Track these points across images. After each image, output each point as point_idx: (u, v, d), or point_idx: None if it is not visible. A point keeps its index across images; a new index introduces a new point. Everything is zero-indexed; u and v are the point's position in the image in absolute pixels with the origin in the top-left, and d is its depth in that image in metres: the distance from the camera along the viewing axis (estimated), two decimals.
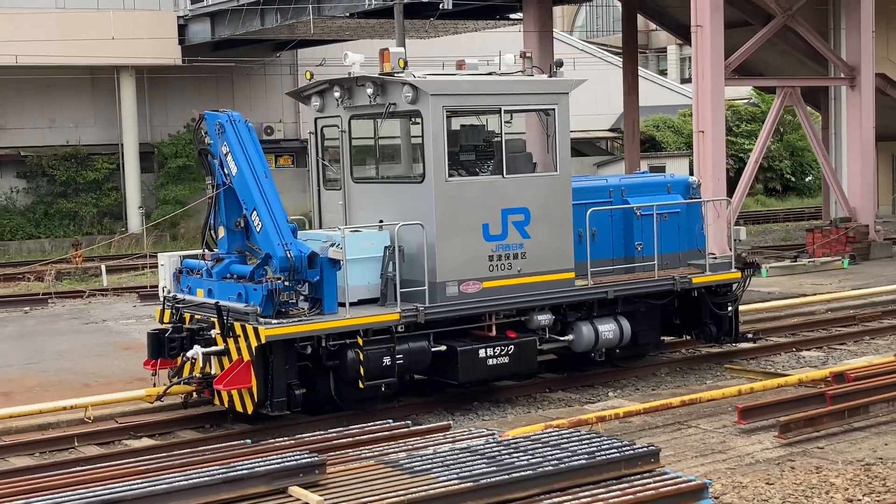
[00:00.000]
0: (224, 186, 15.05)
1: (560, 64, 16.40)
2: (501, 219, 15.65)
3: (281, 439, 12.68)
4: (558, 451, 11.43)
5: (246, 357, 14.22)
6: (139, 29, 44.58)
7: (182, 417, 15.63)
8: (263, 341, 13.96)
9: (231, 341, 14.43)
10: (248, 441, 13.32)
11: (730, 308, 18.11)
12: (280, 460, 10.57)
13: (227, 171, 14.95)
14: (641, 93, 38.80)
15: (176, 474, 10.46)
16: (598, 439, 12.03)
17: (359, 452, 11.65)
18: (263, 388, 14.23)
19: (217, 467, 10.49)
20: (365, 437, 12.55)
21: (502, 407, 16.20)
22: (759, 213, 49.95)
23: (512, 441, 12.21)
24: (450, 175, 15.39)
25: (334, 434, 12.49)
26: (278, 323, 14.15)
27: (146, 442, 14.81)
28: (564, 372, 17.79)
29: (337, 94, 16.40)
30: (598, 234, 17.08)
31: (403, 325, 15.05)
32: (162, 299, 15.80)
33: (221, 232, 15.36)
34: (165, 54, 45.37)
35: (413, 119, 15.51)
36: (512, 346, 15.78)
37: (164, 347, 14.83)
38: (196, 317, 15.19)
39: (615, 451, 11.43)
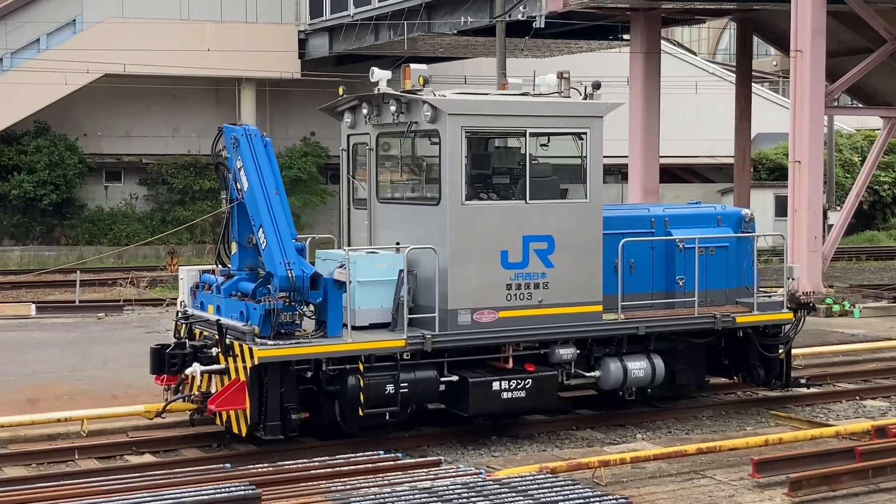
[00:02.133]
0: (237, 201, 14.75)
1: (598, 86, 15.61)
2: (522, 246, 14.96)
3: (250, 467, 12.29)
4: (524, 499, 10.74)
5: (242, 378, 13.86)
6: (261, 42, 45.09)
7: (190, 435, 15.34)
8: (256, 362, 13.56)
9: (230, 361, 14.09)
10: (228, 465, 12.99)
11: (781, 350, 17.00)
12: (212, 492, 10.13)
13: (240, 186, 14.65)
14: (774, 119, 37.36)
15: (106, 499, 10.12)
16: (572, 487, 11.29)
17: (310, 487, 11.12)
18: (257, 411, 13.82)
19: (147, 494, 10.09)
20: (329, 470, 12.05)
21: (519, 443, 15.48)
22: (882, 250, 47.59)
23: (489, 483, 11.57)
24: (469, 198, 14.77)
25: (293, 466, 12.03)
26: (274, 344, 13.75)
27: (147, 458, 14.58)
28: (602, 409, 16.96)
29: (365, 111, 15.96)
30: (636, 267, 16.24)
31: (409, 353, 14.46)
32: (176, 314, 15.57)
33: (234, 248, 15.07)
34: (286, 67, 45.78)
35: (432, 139, 14.95)
36: (530, 380, 15.06)
37: (166, 363, 14.58)
38: (204, 333, 14.93)
39: (580, 500, 10.68)
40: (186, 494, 9.90)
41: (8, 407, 16.61)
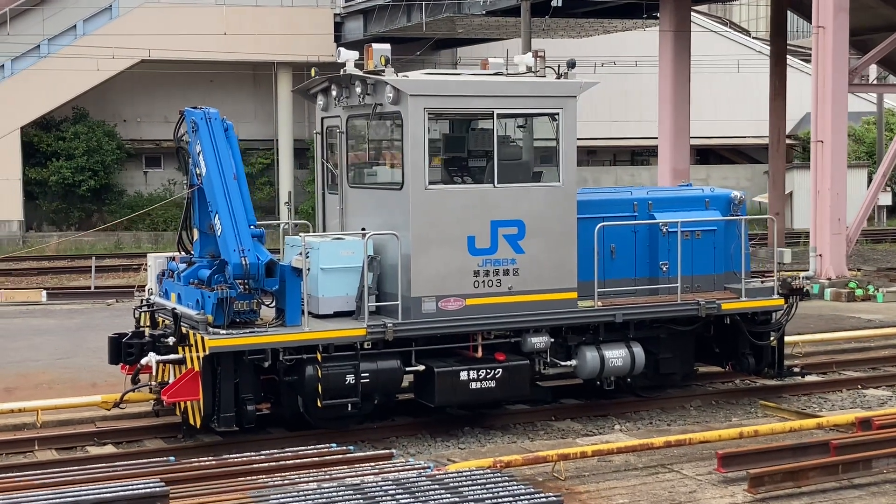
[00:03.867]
0: (197, 187, 14.42)
1: (572, 65, 15.04)
2: (491, 231, 14.45)
3: (185, 462, 11.95)
4: (451, 496, 10.29)
5: (196, 368, 13.53)
6: (297, 25, 44.85)
7: (157, 425, 15.05)
8: (207, 352, 13.22)
9: (186, 350, 13.78)
10: (172, 458, 12.66)
11: (773, 338, 16.34)
12: (118, 488, 9.79)
13: (199, 171, 14.31)
14: None
15: (18, 495, 9.82)
16: (506, 484, 10.82)
17: (228, 483, 10.75)
18: (211, 402, 13.49)
19: (47, 492, 9.78)
20: (268, 465, 11.67)
21: (491, 434, 15.00)
22: None
23: (422, 479, 11.12)
24: (433, 182, 14.30)
25: (226, 460, 11.67)
26: (227, 333, 13.40)
27: (108, 449, 14.33)
28: (588, 399, 16.43)
29: (334, 94, 15.54)
30: (617, 252, 15.67)
31: (371, 343, 14.03)
32: (140, 302, 15.29)
33: (196, 234, 14.74)
34: (322, 51, 45.43)
35: (395, 121, 14.47)
36: (500, 370, 14.57)
37: (122, 352, 14.30)
38: (165, 322, 14.62)
39: (510, 499, 10.20)
40: (86, 492, 9.56)
41: None
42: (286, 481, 11.27)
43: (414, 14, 40.29)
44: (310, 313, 14.45)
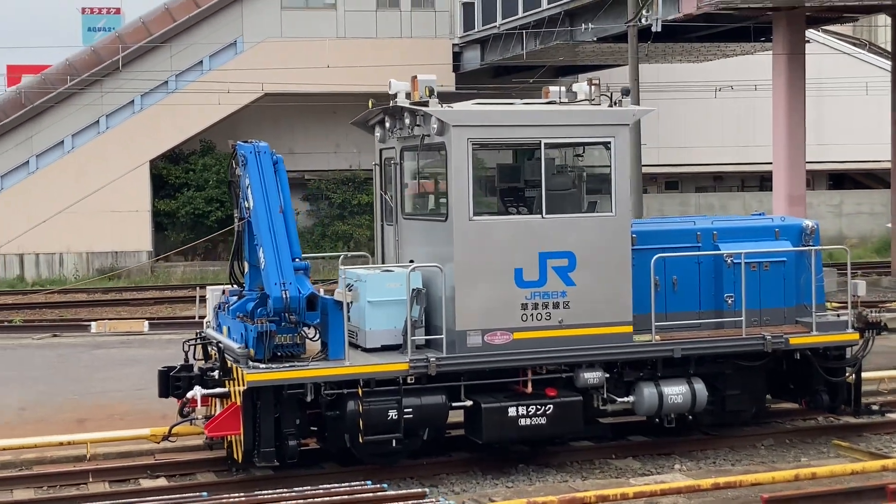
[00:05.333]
0: (246, 220, 14.45)
1: (626, 92, 14.63)
2: (539, 263, 14.09)
3: (219, 497, 11.90)
4: None
5: (238, 402, 13.51)
6: (416, 56, 45.05)
7: (211, 459, 15.08)
8: (245, 386, 13.19)
9: (231, 384, 13.78)
10: (205, 494, 12.64)
11: (849, 374, 15.57)
12: None
13: (247, 205, 14.35)
14: None
15: None
16: None
17: None
18: (251, 437, 13.43)
19: None
20: (297, 503, 11.52)
21: (544, 473, 14.59)
22: None
23: None
24: (478, 213, 14.03)
25: (259, 497, 11.50)
26: (266, 368, 13.33)
27: (160, 482, 14.39)
28: (658, 435, 15.87)
29: (388, 125, 15.44)
30: (679, 284, 15.14)
31: (414, 377, 13.81)
32: (196, 335, 15.39)
33: (247, 267, 14.77)
34: (441, 81, 45.36)
35: (440, 152, 14.26)
36: (550, 406, 14.18)
37: (171, 385, 14.38)
38: (214, 355, 14.66)
39: None
40: None
41: (55, 426, 16.78)
42: None
43: (528, 42, 40.07)
44: (358, 347, 14.37)
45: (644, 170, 50.03)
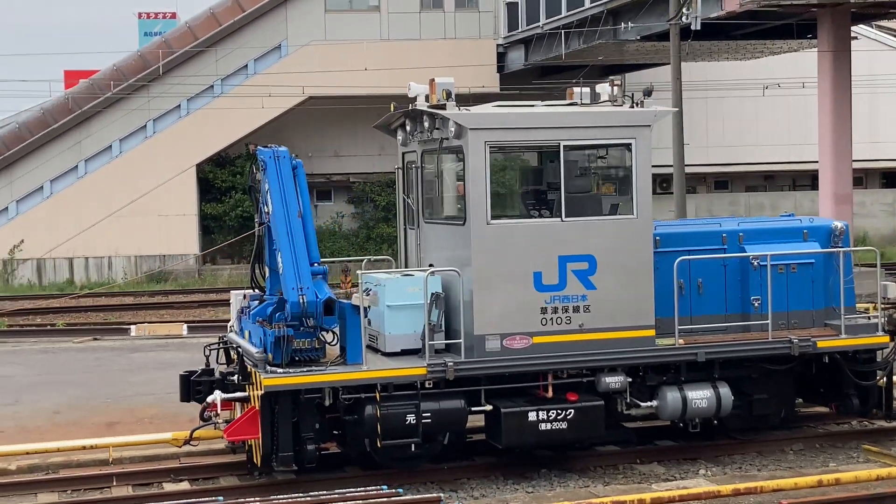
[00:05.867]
0: (266, 225, 14.46)
1: (649, 93, 14.45)
2: (559, 267, 13.96)
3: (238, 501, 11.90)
4: None
5: (256, 406, 13.52)
6: (461, 57, 44.99)
7: (234, 462, 15.11)
8: (262, 391, 13.19)
9: (250, 388, 13.79)
10: (221, 498, 12.66)
11: (880, 378, 15.28)
12: None
13: (267, 210, 14.35)
14: None
15: None
16: None
17: None
18: (269, 441, 13.43)
19: None
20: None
21: (566, 477, 14.46)
22: None
23: None
24: (496, 217, 13.93)
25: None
26: (284, 372, 13.32)
27: (183, 486, 14.44)
28: (686, 440, 15.67)
29: (408, 128, 15.38)
30: (704, 287, 14.94)
31: (432, 382, 13.73)
32: (218, 339, 15.42)
33: (268, 272, 14.78)
34: (485, 82, 45.48)
35: (458, 155, 14.17)
36: (571, 411, 14.04)
37: (192, 390, 14.42)
38: (235, 359, 14.69)
39: None
40: None
41: (86, 429, 16.92)
42: None
43: (572, 41, 39.86)
44: (378, 351, 14.33)
45: (692, 169, 49.68)
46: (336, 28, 45.60)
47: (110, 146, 44.83)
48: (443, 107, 14.14)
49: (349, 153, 48.49)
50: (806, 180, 52.15)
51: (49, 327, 29.01)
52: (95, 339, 26.33)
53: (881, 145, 51.26)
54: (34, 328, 29.02)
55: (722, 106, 49.84)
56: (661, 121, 14.44)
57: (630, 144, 14.22)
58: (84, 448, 14.72)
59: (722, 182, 51.83)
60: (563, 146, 14.07)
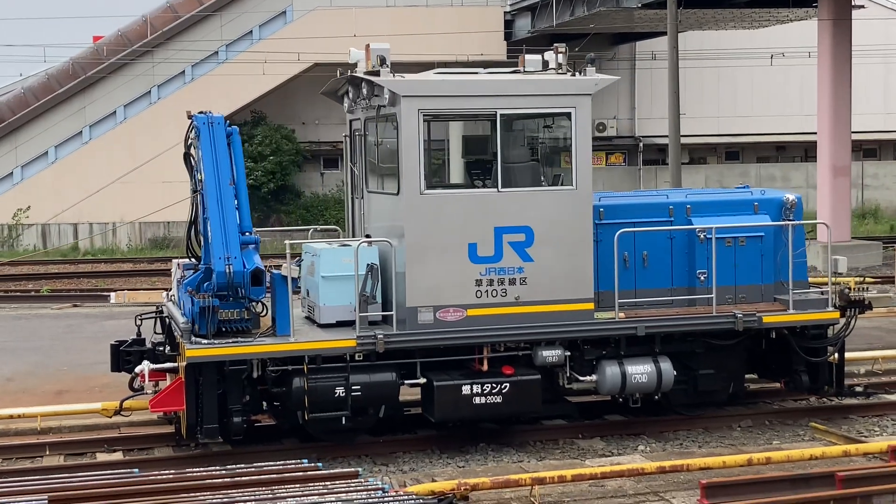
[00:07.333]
0: (199, 193, 14.21)
1: (591, 61, 14.08)
2: (494, 238, 13.66)
3: (144, 474, 11.73)
4: None
5: (183, 377, 13.34)
6: (467, 24, 44.59)
7: (170, 433, 14.94)
8: (184, 362, 13.00)
9: (179, 359, 13.61)
10: (136, 470, 12.47)
11: (831, 354, 14.92)
12: None
13: (200, 177, 14.10)
14: None
15: None
16: None
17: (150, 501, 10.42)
18: (194, 413, 13.25)
19: None
20: (201, 482, 11.30)
21: (504, 452, 14.21)
22: None
23: (380, 501, 10.60)
24: (431, 187, 13.64)
25: (163, 477, 11.31)
26: (209, 343, 13.12)
27: (116, 456, 14.29)
28: (637, 415, 15.37)
29: (351, 95, 15.08)
30: (649, 260, 14.61)
31: (363, 354, 13.49)
32: (156, 308, 15.24)
33: (203, 241, 14.53)
34: (492, 49, 45.06)
35: (393, 123, 13.86)
36: (507, 384, 13.77)
37: (122, 360, 14.25)
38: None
39: None
40: None
41: (36, 397, 16.84)
42: (225, 498, 10.91)
43: (578, 9, 39.35)
44: (314, 322, 14.12)
45: (703, 140, 49.15)
46: None
47: (115, 112, 44.72)
48: (377, 73, 13.82)
49: None
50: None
51: (33, 293, 28.98)
52: (75, 305, 26.25)
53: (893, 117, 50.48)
54: (18, 294, 28.98)
55: (734, 76, 49.12)
56: (601, 89, 13.99)
57: (570, 114, 13.86)
58: (12, 417, 14.58)
59: (733, 153, 51.17)
60: (500, 115, 13.73)
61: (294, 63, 43.49)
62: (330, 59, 43.71)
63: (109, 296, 26.98)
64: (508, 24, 45.56)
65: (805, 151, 51.39)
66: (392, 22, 44.49)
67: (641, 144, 47.54)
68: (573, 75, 14.03)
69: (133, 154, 43.99)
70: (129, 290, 28.02)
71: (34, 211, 43.93)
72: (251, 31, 45.18)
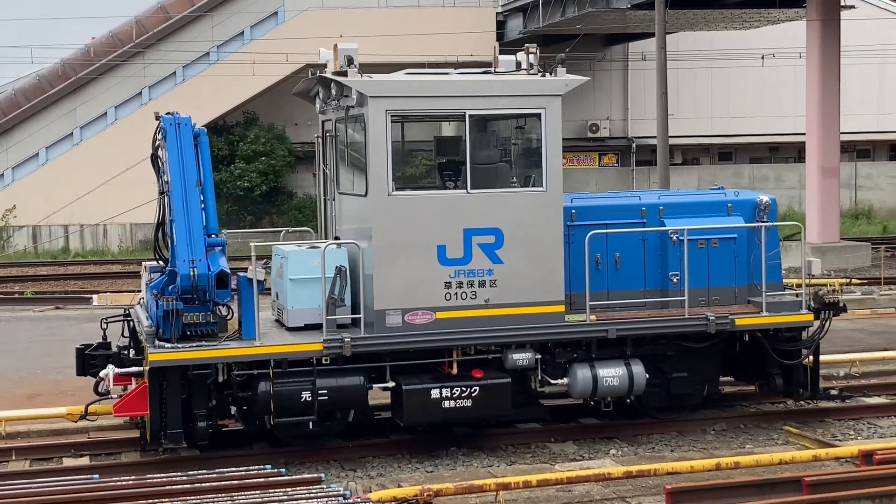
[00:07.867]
0: (165, 194, 14.08)
1: (561, 61, 13.93)
2: (464, 240, 13.50)
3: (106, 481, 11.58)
4: None
5: (147, 381, 13.19)
6: (460, 25, 44.45)
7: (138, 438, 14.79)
8: (148, 366, 12.86)
9: (144, 363, 13.46)
10: (96, 476, 12.33)
11: (805, 357, 14.77)
12: None
13: (166, 179, 13.97)
14: None
15: None
16: None
17: None
18: (158, 417, 13.10)
19: None
20: (167, 488, 11.16)
21: (474, 456, 14.05)
22: None
23: None
24: (399, 188, 13.50)
25: (126, 483, 11.18)
26: (172, 347, 12.97)
27: (83, 461, 14.14)
28: (613, 419, 15.21)
29: (322, 95, 14.95)
30: (622, 262, 14.46)
31: (330, 358, 13.34)
32: (124, 311, 15.09)
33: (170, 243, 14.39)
34: (484, 50, 44.82)
35: (361, 124, 13.72)
36: (476, 388, 13.62)
37: (87, 364, 14.10)
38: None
39: None
40: None
41: (6, 401, 16.66)
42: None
43: (568, 9, 39.24)
44: (283, 326, 13.98)
45: (696, 140, 49.01)
46: None
47: (105, 113, 44.61)
48: (344, 73, 13.67)
49: None
50: None
51: (17, 295, 28.84)
52: (57, 307, 26.11)
53: (890, 117, 50.30)
54: (2, 296, 28.85)
55: (728, 77, 48.98)
56: (571, 90, 13.83)
57: (540, 114, 13.71)
58: None
59: (726, 153, 51.03)
60: (469, 115, 13.59)
61: (285, 64, 43.32)
62: (321, 60, 43.66)
63: (92, 298, 26.80)
64: (501, 25, 45.47)
65: (798, 152, 51.17)
66: (384, 23, 44.37)
67: (634, 145, 47.40)
68: (543, 76, 13.87)
69: (124, 155, 43.73)
70: (112, 292, 27.82)
71: (25, 212, 43.80)
72: (242, 32, 45.07)
